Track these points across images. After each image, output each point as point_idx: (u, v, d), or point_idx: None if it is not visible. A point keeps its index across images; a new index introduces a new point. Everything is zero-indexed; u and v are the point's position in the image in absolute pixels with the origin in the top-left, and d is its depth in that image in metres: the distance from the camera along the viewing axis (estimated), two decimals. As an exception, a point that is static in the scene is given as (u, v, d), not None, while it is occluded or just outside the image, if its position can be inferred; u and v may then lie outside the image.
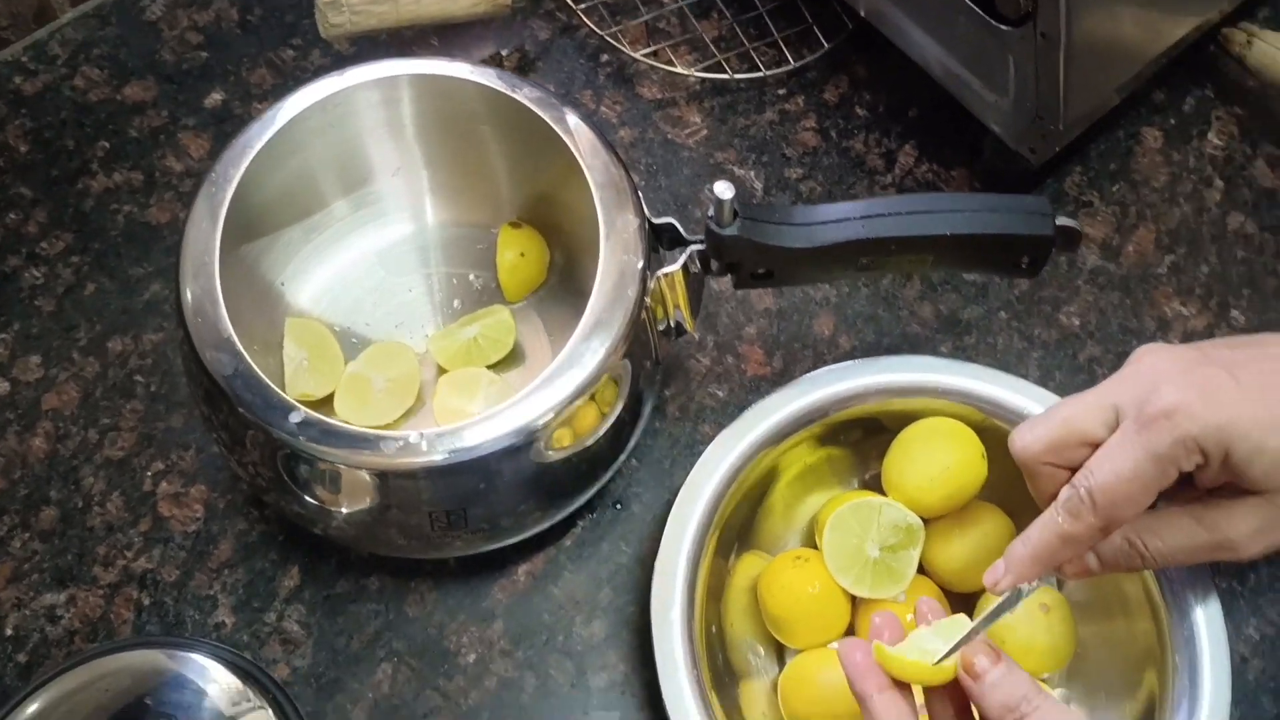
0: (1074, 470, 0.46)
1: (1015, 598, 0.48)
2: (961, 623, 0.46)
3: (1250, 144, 0.69)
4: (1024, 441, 0.48)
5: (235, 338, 0.51)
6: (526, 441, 0.50)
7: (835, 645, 0.53)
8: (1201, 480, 0.46)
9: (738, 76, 0.70)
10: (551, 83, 0.71)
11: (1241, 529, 0.46)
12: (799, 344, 0.64)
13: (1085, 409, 0.47)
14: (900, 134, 0.70)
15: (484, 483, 0.51)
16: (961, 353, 0.64)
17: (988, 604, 0.56)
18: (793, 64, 0.70)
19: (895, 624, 0.46)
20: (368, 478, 0.51)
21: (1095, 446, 0.46)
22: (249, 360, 0.50)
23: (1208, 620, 0.53)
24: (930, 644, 0.45)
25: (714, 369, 0.64)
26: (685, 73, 0.70)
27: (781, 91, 0.71)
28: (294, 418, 0.49)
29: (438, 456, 0.49)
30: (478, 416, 0.50)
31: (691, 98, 0.71)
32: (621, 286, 0.52)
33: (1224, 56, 0.69)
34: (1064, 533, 0.46)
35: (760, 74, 0.70)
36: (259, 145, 0.55)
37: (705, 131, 0.70)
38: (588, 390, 0.51)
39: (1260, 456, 0.44)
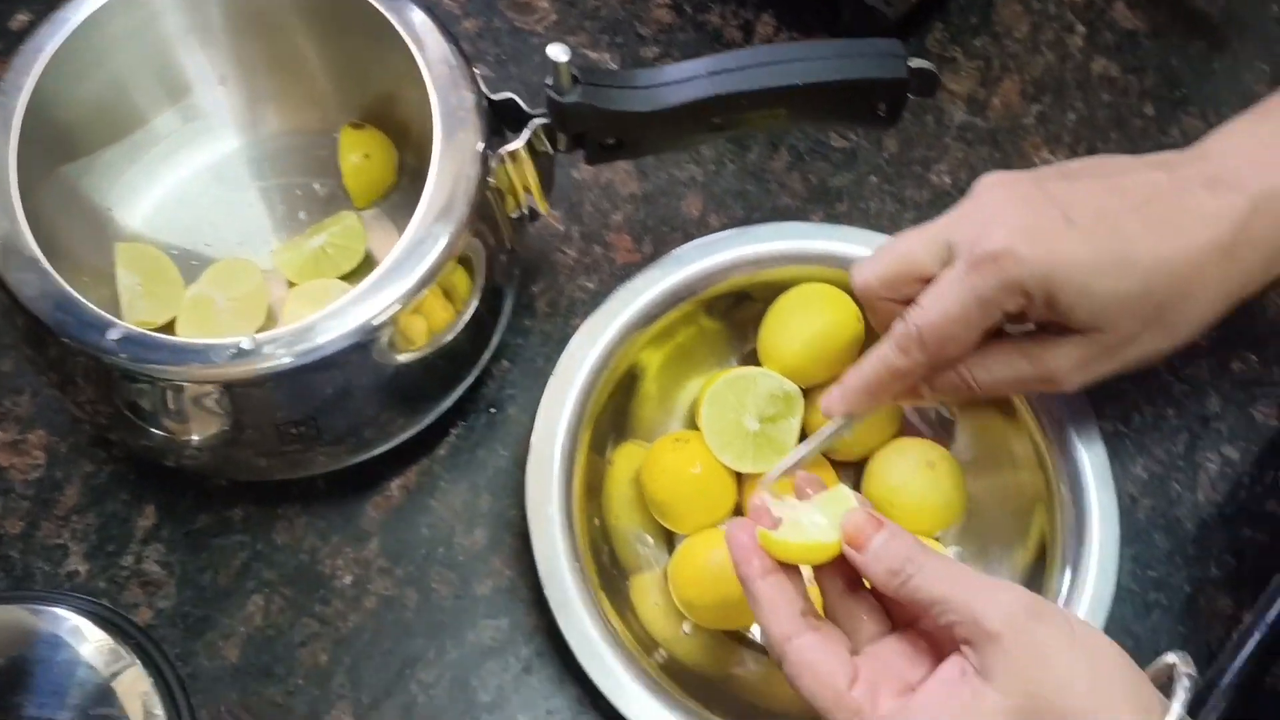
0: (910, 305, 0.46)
1: (847, 425, 0.48)
2: (843, 495, 0.44)
3: (1109, -13, 0.68)
4: (862, 277, 0.47)
5: (42, 257, 0.47)
6: (371, 339, 0.47)
7: (722, 527, 0.52)
8: (1029, 316, 0.46)
9: (583, -45, 0.67)
10: (386, -24, 0.67)
11: (1063, 363, 0.46)
12: (668, 227, 0.62)
13: (920, 244, 0.46)
14: (757, 4, 0.67)
15: (333, 388, 0.48)
16: (834, 221, 0.62)
17: (878, 469, 0.54)
18: (640, -62, 0.67)
19: (765, 514, 0.44)
20: (208, 393, 0.47)
21: (929, 281, 0.45)
22: (57, 277, 0.46)
23: (1093, 463, 0.52)
24: (813, 519, 0.43)
25: (582, 260, 0.61)
26: (527, -45, 0.67)
27: (630, -31, 0.68)
28: (112, 334, 0.45)
29: (278, 361, 0.46)
30: (316, 315, 0.46)
31: (537, -18, 0.67)
32: (461, 168, 0.49)
33: (1077, -100, 0.68)
34: (894, 367, 0.46)
35: (606, -49, 0.67)
36: (50, 50, 0.50)
37: (554, 17, 0.67)
38: (433, 280, 0.48)
39: (1084, 300, 0.44)
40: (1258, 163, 0.45)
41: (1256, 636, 0.52)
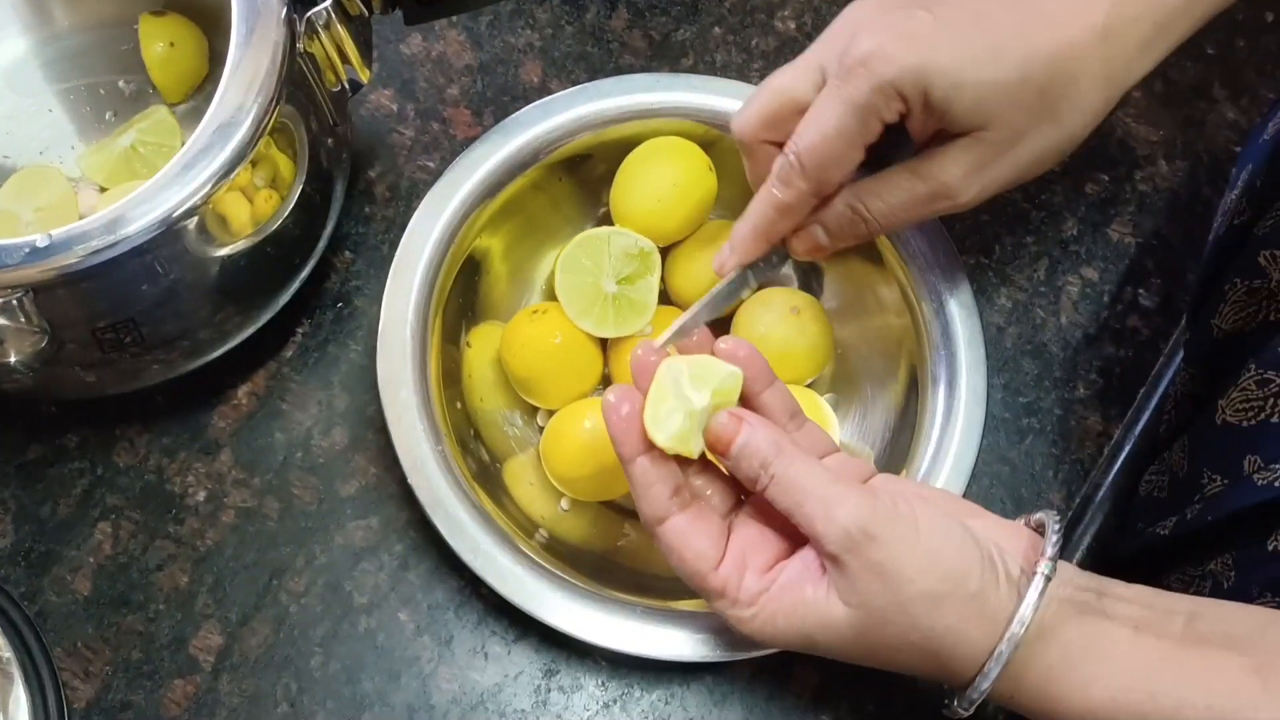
0: None
1: (741, 282, 0.46)
2: (714, 364, 0.42)
3: None
4: (740, 120, 0.46)
5: None
6: (181, 226, 0.43)
7: (599, 395, 0.49)
8: (913, 131, 0.44)
9: None
10: None
11: (954, 171, 0.44)
12: (508, 97, 0.59)
13: (793, 74, 0.45)
14: None
15: (149, 283, 0.44)
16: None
17: (744, 319, 0.53)
18: None
19: (646, 372, 0.42)
20: (10, 303, 0.43)
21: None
22: None
23: (958, 298, 0.51)
24: (687, 393, 0.41)
25: (420, 139, 0.58)
26: None
27: None
28: (-114, 244, 0.41)
29: (77, 257, 0.42)
30: (119, 204, 0.43)
31: None
32: (265, 35, 0.45)
33: None
34: (779, 203, 0.44)
35: None
36: None
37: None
38: (244, 159, 0.44)
39: (959, 92, 0.42)
40: None
41: (1127, 449, 0.53)
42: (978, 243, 0.57)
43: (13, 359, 0.46)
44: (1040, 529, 0.41)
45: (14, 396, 0.50)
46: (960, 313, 0.52)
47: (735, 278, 0.46)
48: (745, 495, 0.44)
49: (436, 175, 0.57)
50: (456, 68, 0.59)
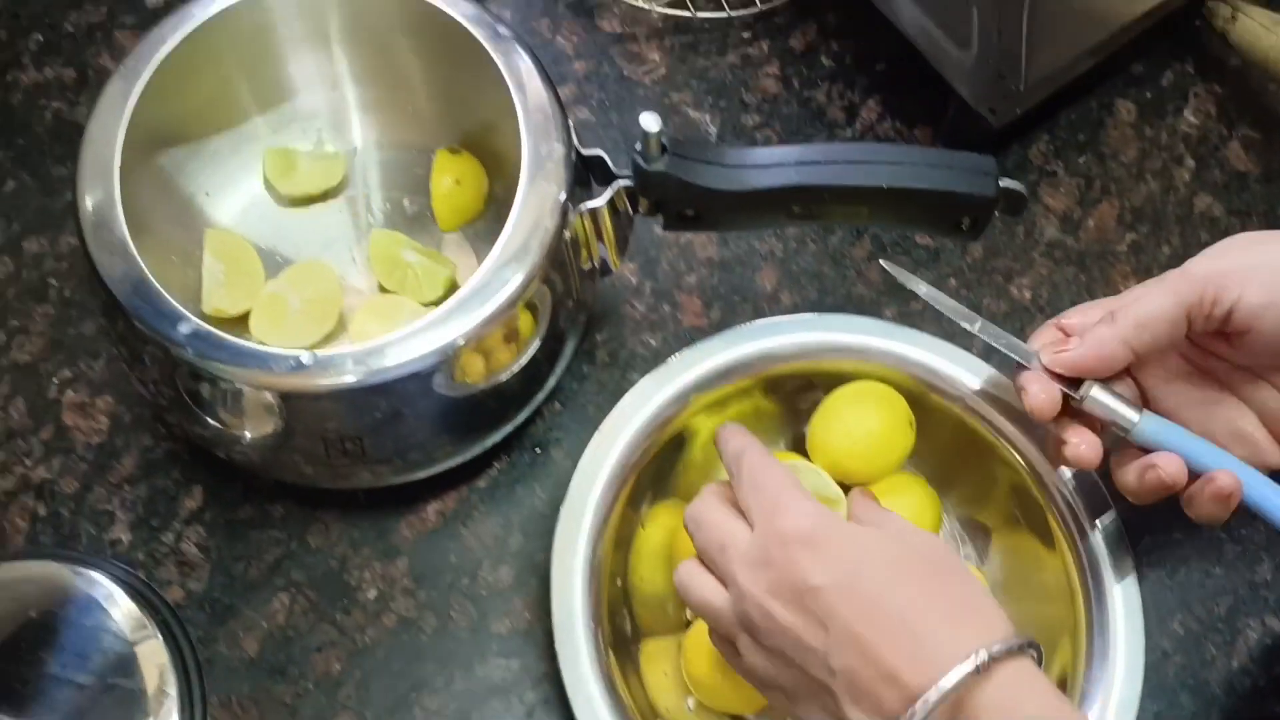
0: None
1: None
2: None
3: (1227, 124, 0.66)
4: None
5: (130, 242, 0.48)
6: (431, 369, 0.48)
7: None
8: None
9: (701, 15, 0.67)
10: (508, 8, 0.68)
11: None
12: (739, 296, 0.62)
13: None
14: (865, 87, 0.67)
15: (385, 411, 0.49)
16: (906, 319, 0.61)
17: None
18: (760, 6, 0.67)
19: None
20: (263, 398, 0.49)
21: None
22: (142, 266, 0.48)
23: (1126, 609, 0.51)
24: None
25: (649, 316, 0.62)
26: (648, 7, 0.67)
27: (746, 34, 0.68)
28: (183, 328, 0.47)
29: (333, 380, 0.47)
30: (378, 340, 0.48)
31: (652, 34, 0.68)
32: (541, 216, 0.50)
33: (1208, 31, 0.66)
34: (1102, 338, 0.46)
35: (725, 14, 0.67)
36: (170, 45, 0.52)
37: (663, 70, 0.67)
38: (499, 320, 0.49)
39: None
40: None
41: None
42: (1163, 560, 0.56)
43: (247, 437, 0.51)
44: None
45: (238, 463, 0.56)
46: (1126, 627, 0.51)
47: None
48: None
49: (655, 353, 0.61)
50: (699, 258, 0.63)
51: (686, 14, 0.67)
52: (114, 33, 0.67)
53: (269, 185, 0.61)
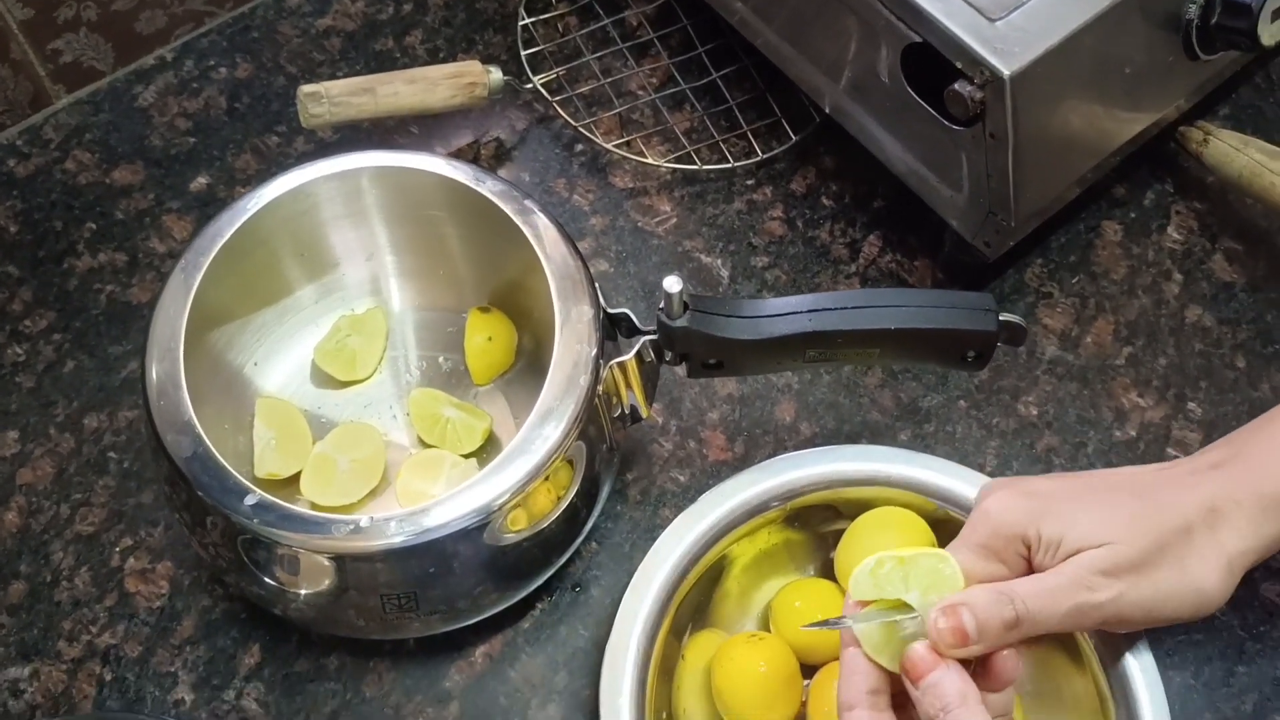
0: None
1: None
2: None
3: (1209, 238, 0.70)
4: None
5: (196, 421, 0.52)
6: (479, 525, 0.51)
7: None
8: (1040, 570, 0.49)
9: (707, 167, 0.72)
10: (526, 171, 0.73)
11: (1085, 564, 0.48)
12: (760, 430, 0.65)
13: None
14: (865, 224, 0.71)
15: (436, 566, 0.52)
16: (921, 441, 0.64)
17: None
18: (761, 155, 0.72)
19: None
20: (322, 560, 0.52)
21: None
22: (208, 444, 0.51)
23: (1155, 714, 0.53)
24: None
25: (676, 453, 0.65)
26: (656, 163, 0.72)
27: (750, 182, 0.73)
28: (249, 500, 0.50)
29: (388, 540, 0.50)
30: (430, 501, 0.51)
31: (662, 187, 0.73)
32: (575, 374, 0.53)
33: (1183, 153, 0.71)
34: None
35: (729, 165, 0.72)
36: (229, 234, 0.57)
37: (675, 220, 0.72)
38: (540, 475, 0.52)
39: (1074, 529, 0.48)
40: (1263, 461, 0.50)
41: None
42: (1188, 662, 0.58)
43: (304, 593, 0.54)
44: None
45: (293, 619, 0.59)
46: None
47: None
48: None
49: (685, 488, 0.64)
50: (720, 395, 0.66)
51: (694, 166, 0.72)
52: (161, 217, 0.72)
53: (318, 364, 0.65)
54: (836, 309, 0.52)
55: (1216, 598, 0.49)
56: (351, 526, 0.50)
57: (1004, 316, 0.53)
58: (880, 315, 0.52)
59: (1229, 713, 0.57)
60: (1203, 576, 0.48)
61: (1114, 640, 0.54)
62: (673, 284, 0.51)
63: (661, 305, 0.52)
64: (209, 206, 0.72)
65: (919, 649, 0.45)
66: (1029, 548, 0.48)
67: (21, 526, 0.63)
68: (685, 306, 0.52)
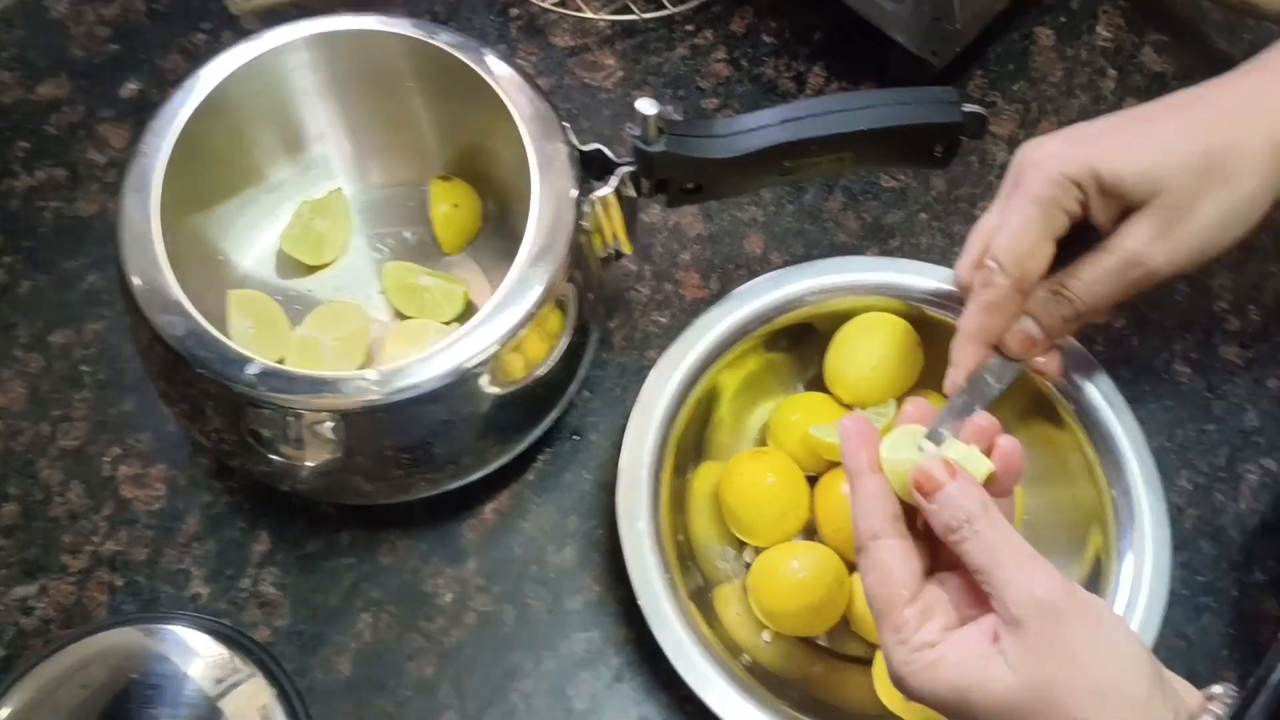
0: None
1: (979, 395, 0.51)
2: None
3: (1136, 33, 0.72)
4: (956, 271, 0.54)
5: (185, 299, 0.51)
6: (476, 373, 0.52)
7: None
8: (1098, 220, 0.50)
9: (646, 16, 0.72)
10: (462, 37, 0.72)
11: (1138, 237, 0.49)
12: (733, 264, 0.66)
13: (988, 216, 0.52)
14: (808, 56, 0.72)
15: (439, 418, 0.53)
16: (888, 255, 0.66)
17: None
18: (697, 0, 0.72)
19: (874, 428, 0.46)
20: (330, 423, 0.52)
21: None
22: (200, 319, 0.51)
23: (1143, 472, 0.56)
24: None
25: (654, 297, 0.66)
26: (594, 17, 0.72)
27: (690, 27, 0.73)
28: (251, 369, 0.50)
29: (397, 393, 0.50)
30: (428, 351, 0.51)
31: (603, 42, 0.73)
32: (558, 214, 0.54)
33: (1105, -47, 0.73)
34: (985, 302, 0.50)
35: (667, 11, 0.72)
36: (184, 116, 0.55)
37: (620, 73, 0.72)
38: (535, 317, 0.52)
39: (1127, 165, 0.48)
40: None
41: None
42: (1161, 426, 0.61)
43: (310, 464, 0.54)
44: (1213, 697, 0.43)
45: (302, 495, 0.59)
46: (1147, 491, 0.56)
47: (970, 389, 0.51)
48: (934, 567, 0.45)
49: (666, 329, 0.65)
50: (689, 236, 0.67)
51: (632, 17, 0.72)
52: (95, 127, 0.70)
53: (285, 251, 0.65)
54: (808, 116, 0.53)
55: (1262, 202, 0.48)
56: (359, 383, 0.50)
57: (966, 107, 0.54)
58: (851, 118, 0.53)
59: (1204, 468, 0.61)
60: (1251, 187, 0.48)
61: (1092, 410, 0.57)
62: (648, 106, 0.51)
63: (636, 131, 0.53)
64: (144, 111, 0.69)
65: (931, 463, 0.42)
66: (1086, 194, 0.48)
67: (3, 450, 0.62)
68: (661, 131, 0.53)
